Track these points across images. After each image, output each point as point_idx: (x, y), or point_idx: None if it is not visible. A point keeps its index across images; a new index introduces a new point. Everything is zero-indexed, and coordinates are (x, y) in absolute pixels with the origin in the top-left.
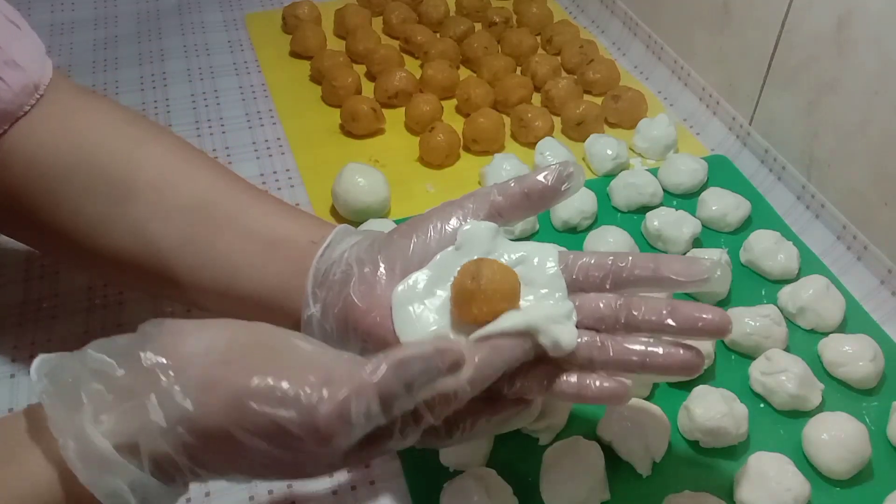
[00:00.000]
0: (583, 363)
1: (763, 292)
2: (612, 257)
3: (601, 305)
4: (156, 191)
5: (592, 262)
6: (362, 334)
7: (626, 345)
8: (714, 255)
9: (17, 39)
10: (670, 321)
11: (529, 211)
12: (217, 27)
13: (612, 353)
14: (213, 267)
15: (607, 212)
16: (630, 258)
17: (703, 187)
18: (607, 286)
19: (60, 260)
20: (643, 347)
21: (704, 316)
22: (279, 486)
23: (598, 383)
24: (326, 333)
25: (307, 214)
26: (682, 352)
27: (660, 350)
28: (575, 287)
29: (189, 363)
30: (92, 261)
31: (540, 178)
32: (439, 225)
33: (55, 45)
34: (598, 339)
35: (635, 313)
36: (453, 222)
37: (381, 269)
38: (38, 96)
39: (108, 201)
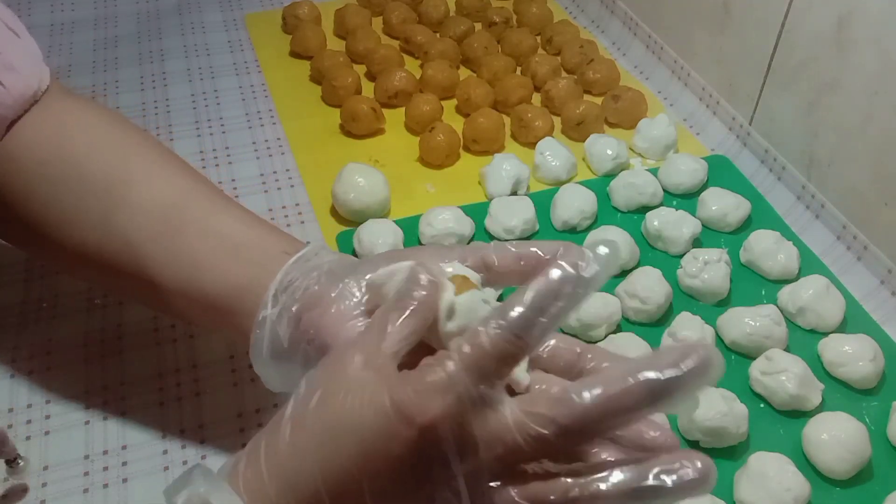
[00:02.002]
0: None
1: (763, 292)
2: (579, 349)
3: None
4: (128, 189)
5: (562, 342)
6: (313, 329)
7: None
8: (714, 256)
9: (15, 45)
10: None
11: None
12: (217, 27)
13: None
14: (177, 263)
15: (607, 212)
16: (602, 356)
17: (703, 187)
18: (574, 373)
19: (36, 256)
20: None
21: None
22: None
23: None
24: (276, 338)
25: (278, 228)
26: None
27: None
28: (544, 366)
29: None
30: (59, 253)
31: (541, 251)
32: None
33: (55, 45)
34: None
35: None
36: (437, 263)
37: (350, 280)
38: (35, 102)
39: (78, 195)
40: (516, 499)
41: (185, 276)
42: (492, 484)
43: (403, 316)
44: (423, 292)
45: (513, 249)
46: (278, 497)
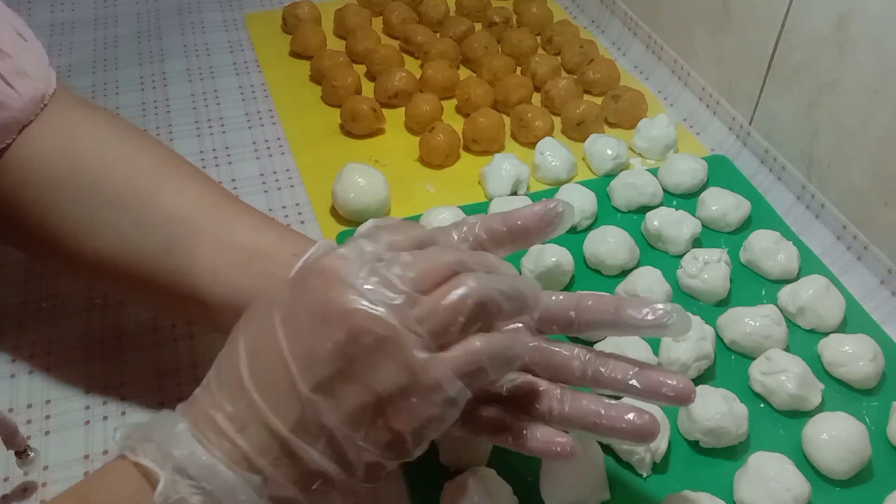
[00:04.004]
0: (541, 413)
1: (763, 292)
2: (577, 298)
3: (570, 356)
4: (141, 201)
5: (560, 299)
6: None
7: (584, 402)
8: (714, 256)
9: (25, 50)
10: (634, 382)
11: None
12: (217, 27)
13: (567, 409)
14: (192, 274)
15: (607, 212)
16: (592, 300)
17: (703, 187)
18: (572, 328)
19: (46, 263)
20: (598, 408)
21: (669, 381)
22: None
23: (539, 434)
24: None
25: (292, 230)
26: (634, 416)
27: (614, 413)
28: (540, 327)
29: None
30: (75, 265)
31: (526, 214)
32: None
33: (55, 45)
34: (558, 391)
35: (602, 370)
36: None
37: None
38: (44, 106)
39: (93, 209)
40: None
41: (201, 287)
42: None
43: None
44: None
45: (499, 221)
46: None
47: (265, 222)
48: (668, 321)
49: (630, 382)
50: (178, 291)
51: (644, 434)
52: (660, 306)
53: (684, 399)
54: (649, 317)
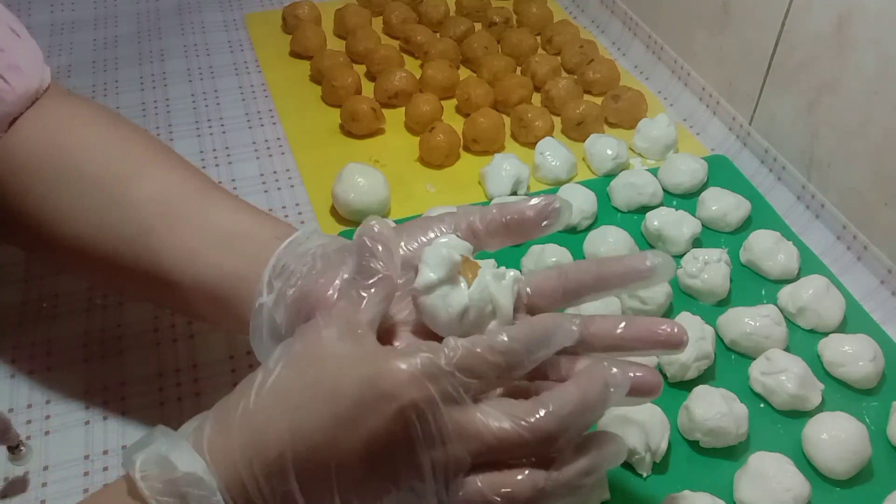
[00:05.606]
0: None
1: (763, 292)
2: (557, 268)
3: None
4: (123, 185)
5: (541, 276)
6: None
7: (575, 365)
8: (714, 256)
9: (17, 45)
10: (623, 335)
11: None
12: (217, 27)
13: (563, 371)
14: (172, 255)
15: (607, 212)
16: (571, 267)
17: (703, 187)
18: (560, 296)
19: (27, 250)
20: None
21: (662, 328)
22: None
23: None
24: (274, 325)
25: (274, 217)
26: (637, 373)
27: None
28: (532, 304)
29: None
30: (56, 251)
31: (523, 208)
32: (416, 236)
33: (55, 45)
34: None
35: (591, 330)
36: (430, 235)
37: (344, 272)
38: (36, 100)
39: (73, 193)
40: (483, 490)
41: (181, 268)
42: (461, 476)
43: (371, 282)
44: (381, 262)
45: (495, 212)
46: (242, 457)
47: (247, 208)
48: (649, 263)
49: (619, 335)
50: (155, 274)
51: (646, 388)
52: (644, 253)
53: (677, 342)
54: (631, 263)
